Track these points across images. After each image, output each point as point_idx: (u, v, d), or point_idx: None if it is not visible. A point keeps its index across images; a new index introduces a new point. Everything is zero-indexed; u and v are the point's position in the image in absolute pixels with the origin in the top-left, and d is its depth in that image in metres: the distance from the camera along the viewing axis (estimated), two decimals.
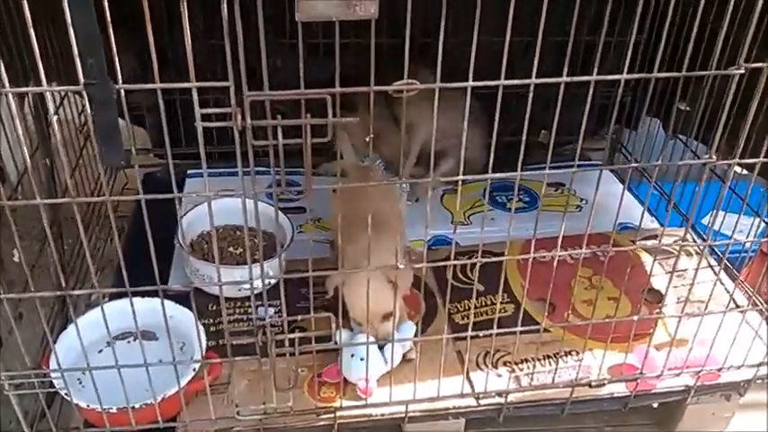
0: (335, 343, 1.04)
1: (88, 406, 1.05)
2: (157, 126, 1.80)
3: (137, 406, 1.05)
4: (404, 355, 1.23)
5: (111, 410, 1.04)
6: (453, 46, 0.90)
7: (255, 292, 0.96)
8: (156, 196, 0.85)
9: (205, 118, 0.76)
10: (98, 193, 1.61)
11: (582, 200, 1.74)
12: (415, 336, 1.23)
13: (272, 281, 1.23)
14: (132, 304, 0.92)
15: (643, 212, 1.18)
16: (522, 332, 1.09)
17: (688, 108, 1.67)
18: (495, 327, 1.09)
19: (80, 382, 1.15)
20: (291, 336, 0.98)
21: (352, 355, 1.17)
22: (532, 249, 0.99)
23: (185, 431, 1.11)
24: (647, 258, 1.51)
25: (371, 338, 1.16)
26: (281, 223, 1.40)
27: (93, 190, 1.61)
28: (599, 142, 1.99)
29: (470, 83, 0.82)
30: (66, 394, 1.05)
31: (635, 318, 1.15)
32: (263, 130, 0.79)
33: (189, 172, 1.73)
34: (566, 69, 0.84)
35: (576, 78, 0.86)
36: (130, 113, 1.81)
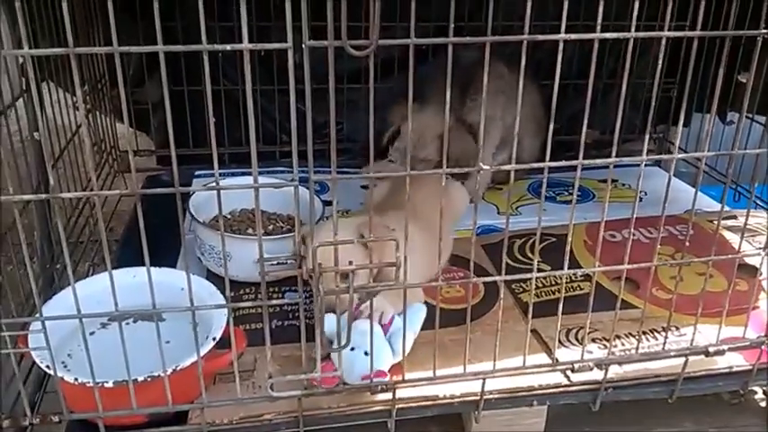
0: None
1: (76, 380, 0.81)
2: (162, 127, 1.63)
3: (140, 379, 0.80)
4: None
5: (106, 385, 0.80)
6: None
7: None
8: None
9: None
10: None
11: (641, 191, 1.57)
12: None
13: None
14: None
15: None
16: (612, 309, 0.93)
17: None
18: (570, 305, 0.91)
19: (65, 366, 0.90)
20: (345, 268, 0.76)
21: (353, 349, 0.90)
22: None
23: (201, 418, 0.85)
24: (730, 236, 1.31)
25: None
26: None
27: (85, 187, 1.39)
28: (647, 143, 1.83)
29: (526, 36, 0.69)
30: (47, 366, 0.81)
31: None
32: None
33: (197, 172, 1.57)
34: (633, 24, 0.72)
35: (644, 34, 0.77)
36: (136, 115, 1.65)
